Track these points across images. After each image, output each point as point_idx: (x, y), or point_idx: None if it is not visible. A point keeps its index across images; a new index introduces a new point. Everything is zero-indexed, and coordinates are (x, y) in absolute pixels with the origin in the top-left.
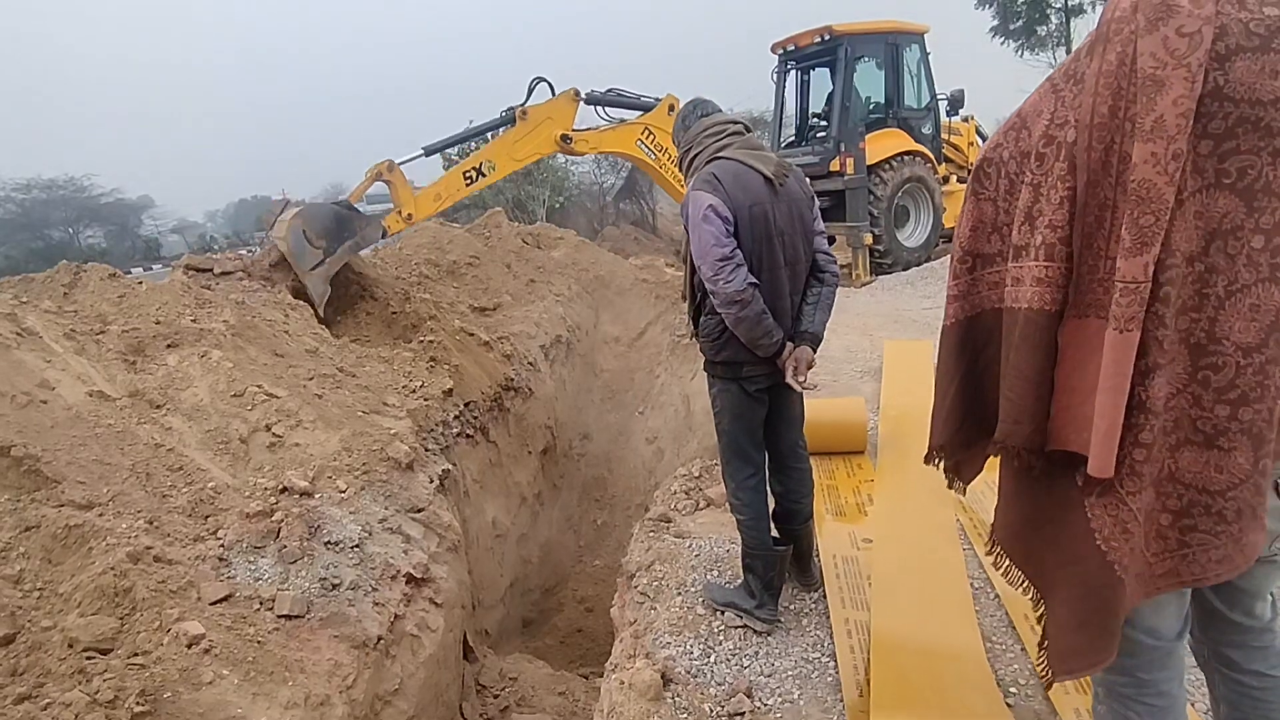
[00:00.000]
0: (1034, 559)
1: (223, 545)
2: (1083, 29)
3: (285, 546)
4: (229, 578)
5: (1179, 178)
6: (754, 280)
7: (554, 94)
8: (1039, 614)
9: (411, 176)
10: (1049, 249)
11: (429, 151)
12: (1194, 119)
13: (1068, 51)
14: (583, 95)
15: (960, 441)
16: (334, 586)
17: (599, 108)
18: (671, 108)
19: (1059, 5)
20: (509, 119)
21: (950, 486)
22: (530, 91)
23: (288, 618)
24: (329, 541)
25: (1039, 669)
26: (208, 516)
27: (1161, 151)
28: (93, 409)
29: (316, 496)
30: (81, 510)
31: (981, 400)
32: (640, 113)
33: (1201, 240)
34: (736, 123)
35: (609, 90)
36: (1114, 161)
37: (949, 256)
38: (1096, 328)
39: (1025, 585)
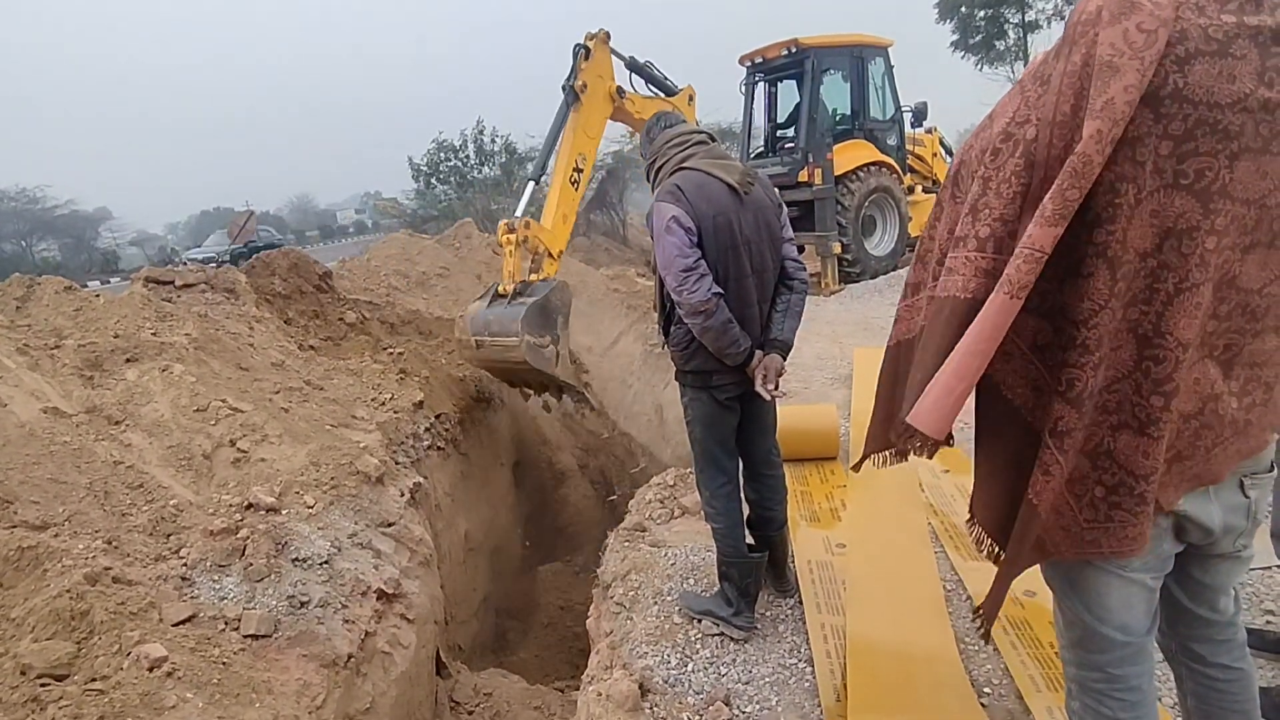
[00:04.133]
0: (1000, 529)
1: (185, 564)
2: (1039, 44)
3: (251, 564)
4: (192, 598)
5: (1133, 177)
6: (719, 290)
7: (589, 53)
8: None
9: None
10: (997, 242)
11: (536, 179)
12: (1155, 120)
13: (1025, 66)
14: (611, 41)
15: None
16: (302, 604)
17: (642, 80)
18: (691, 98)
19: (1016, 21)
20: (571, 97)
21: (854, 468)
22: (575, 59)
23: (254, 637)
24: (297, 558)
25: (975, 619)
26: (170, 535)
27: (1105, 130)
28: (47, 426)
29: (283, 512)
30: (35, 531)
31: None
32: (664, 95)
33: (1155, 238)
34: (701, 133)
35: (646, 62)
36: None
37: (917, 252)
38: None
39: (993, 552)
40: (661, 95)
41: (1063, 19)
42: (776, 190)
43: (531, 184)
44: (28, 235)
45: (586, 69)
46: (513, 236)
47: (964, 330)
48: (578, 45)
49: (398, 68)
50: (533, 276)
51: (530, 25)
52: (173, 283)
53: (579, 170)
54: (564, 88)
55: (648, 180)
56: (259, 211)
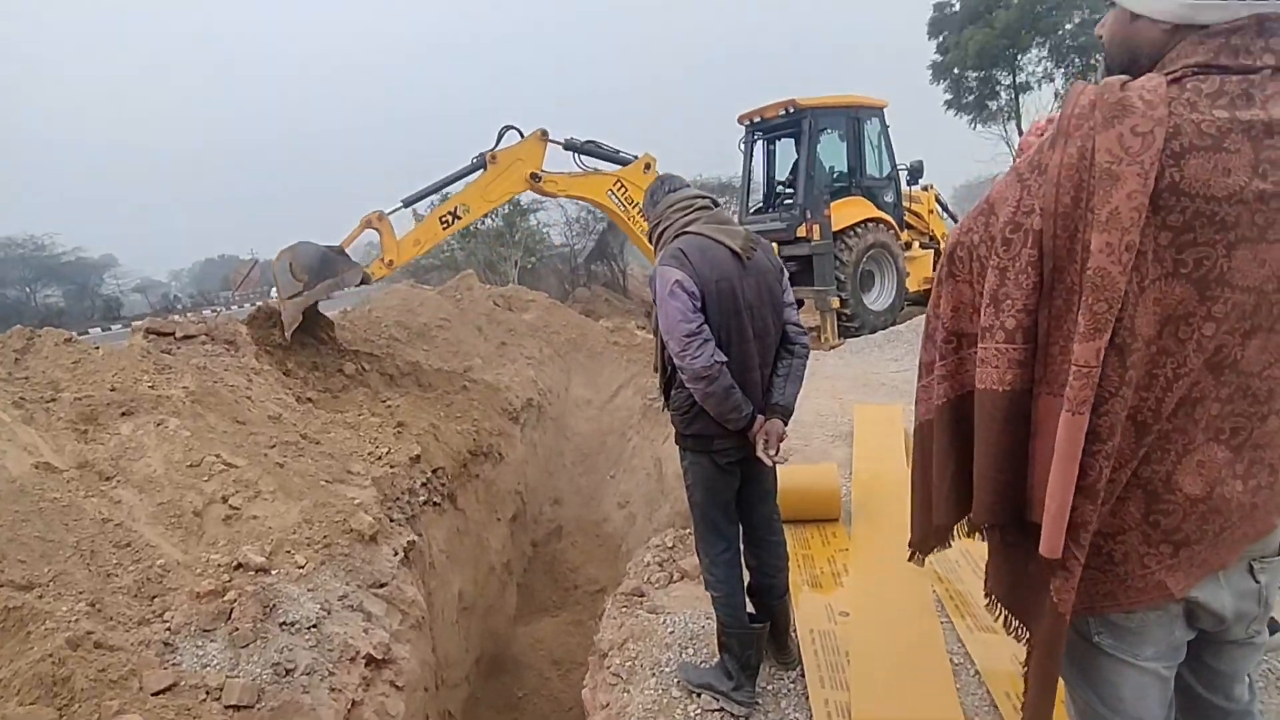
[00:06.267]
0: (1021, 614)
1: (169, 629)
2: (1030, 104)
3: (237, 629)
4: (174, 664)
5: (1135, 266)
6: (722, 358)
7: (523, 138)
8: (1025, 671)
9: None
10: (1024, 332)
11: (407, 203)
12: (1154, 212)
13: (1018, 125)
14: (550, 136)
15: (957, 521)
16: (288, 672)
17: (576, 156)
18: (648, 166)
19: (1007, 83)
20: (480, 164)
21: (911, 559)
22: (499, 138)
23: (236, 708)
24: (284, 622)
25: None
26: (154, 597)
27: (1116, 241)
28: (38, 482)
29: (273, 573)
30: (21, 591)
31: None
32: (617, 166)
33: (1156, 324)
34: (704, 197)
35: (587, 141)
36: (1078, 249)
37: (924, 331)
38: None
39: (1023, 637)
40: (601, 170)
41: (1051, 80)
42: (777, 254)
43: (401, 204)
44: (32, 282)
45: (508, 150)
46: (367, 217)
47: (1010, 422)
48: (506, 126)
49: (403, 116)
50: (372, 266)
51: (536, 78)
52: (173, 334)
53: (456, 216)
54: (478, 155)
55: (650, 243)
56: (262, 260)
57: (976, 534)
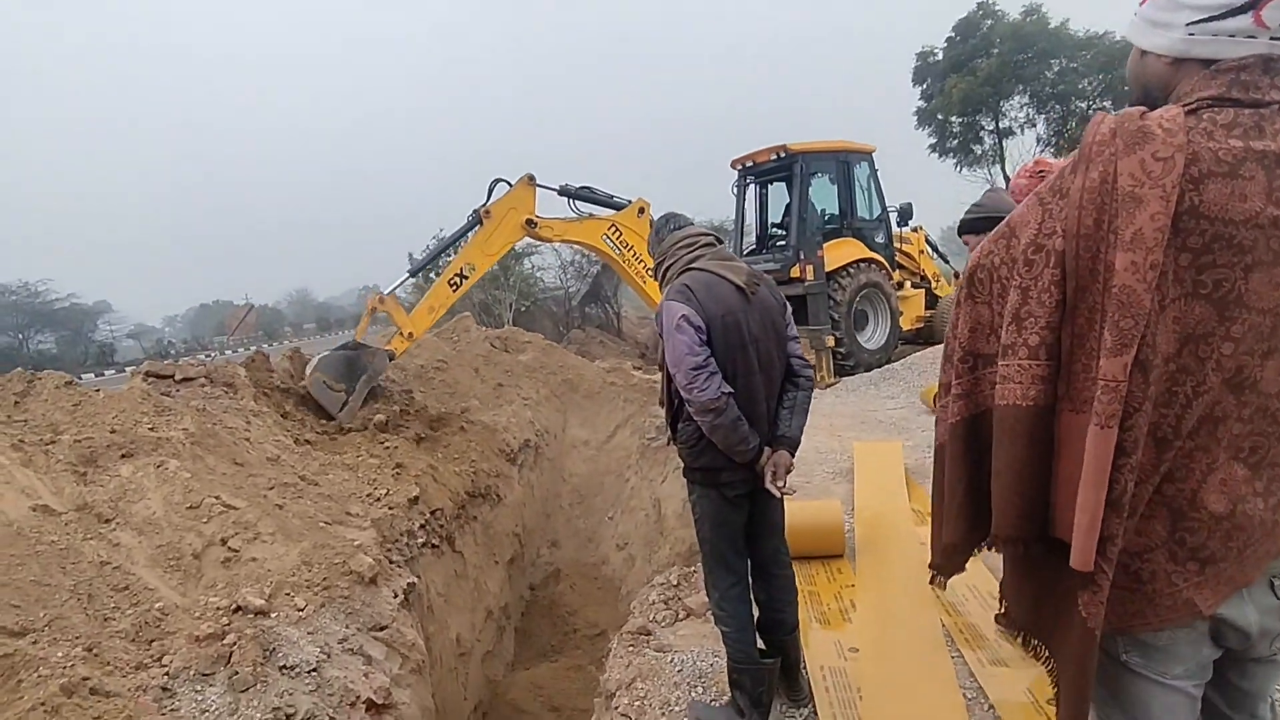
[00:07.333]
0: (1044, 633)
1: (167, 673)
2: (1014, 149)
3: (237, 673)
4: (172, 710)
5: (1156, 285)
6: (729, 390)
7: (511, 187)
8: (1055, 691)
9: (402, 294)
10: (1047, 349)
11: (413, 272)
12: (1174, 234)
13: (1002, 168)
14: (539, 181)
15: (973, 540)
16: (288, 717)
17: (570, 201)
18: (641, 210)
19: (991, 128)
20: (475, 221)
21: (932, 583)
22: (490, 193)
23: None
24: (284, 665)
25: None
26: (153, 641)
27: (1141, 260)
28: (35, 525)
29: (273, 615)
30: (14, 637)
31: (986, 497)
32: (611, 211)
33: (1176, 342)
34: (708, 234)
35: (582, 187)
36: (1100, 269)
37: (944, 352)
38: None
39: (1043, 655)
40: (596, 215)
41: (1033, 125)
42: (779, 289)
43: (407, 274)
44: (25, 328)
45: (500, 200)
46: (370, 302)
47: (1033, 438)
48: (496, 180)
49: (399, 161)
50: (393, 343)
51: (531, 128)
52: (173, 376)
53: (463, 276)
54: (472, 212)
55: (655, 279)
56: (257, 305)
57: (993, 548)
